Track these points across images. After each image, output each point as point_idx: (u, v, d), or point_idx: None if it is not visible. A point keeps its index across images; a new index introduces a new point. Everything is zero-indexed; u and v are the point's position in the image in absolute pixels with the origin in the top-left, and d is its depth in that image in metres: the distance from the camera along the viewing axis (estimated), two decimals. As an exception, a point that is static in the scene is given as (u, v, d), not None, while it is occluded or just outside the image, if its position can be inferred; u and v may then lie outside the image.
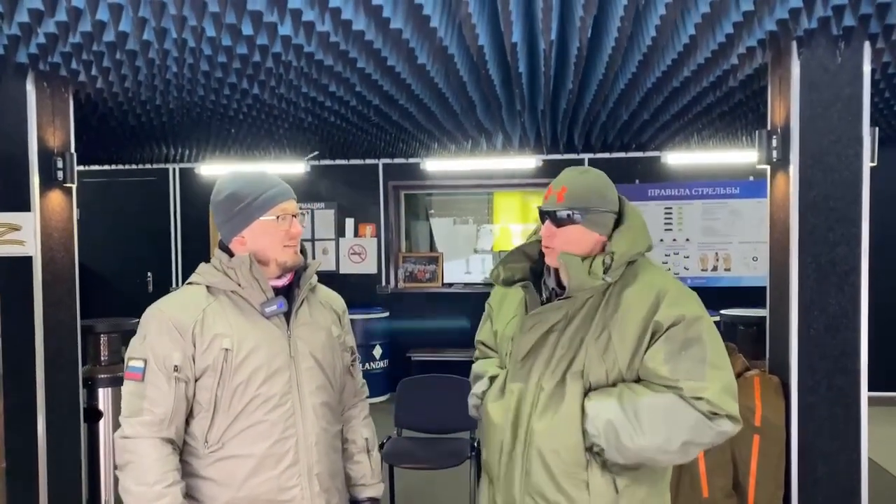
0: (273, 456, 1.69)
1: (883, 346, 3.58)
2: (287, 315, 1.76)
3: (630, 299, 1.68)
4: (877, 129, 3.11)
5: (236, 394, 1.67)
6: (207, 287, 1.74)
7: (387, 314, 6.91)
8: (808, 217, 3.03)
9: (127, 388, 1.68)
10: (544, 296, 1.77)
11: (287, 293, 1.78)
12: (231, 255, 1.76)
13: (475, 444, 3.91)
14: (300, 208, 1.83)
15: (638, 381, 1.68)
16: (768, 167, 3.24)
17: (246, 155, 6.42)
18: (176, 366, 1.65)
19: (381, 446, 3.93)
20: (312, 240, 7.11)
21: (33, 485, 3.43)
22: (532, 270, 1.84)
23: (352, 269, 7.09)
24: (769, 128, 3.22)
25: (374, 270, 7.12)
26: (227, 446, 1.68)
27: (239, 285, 1.72)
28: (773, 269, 3.28)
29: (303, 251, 1.83)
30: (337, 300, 1.97)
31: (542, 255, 1.79)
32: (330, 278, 7.00)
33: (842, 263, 3.02)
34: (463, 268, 7.72)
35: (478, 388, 1.88)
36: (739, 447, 3.14)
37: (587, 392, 1.67)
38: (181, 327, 1.67)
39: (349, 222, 7.15)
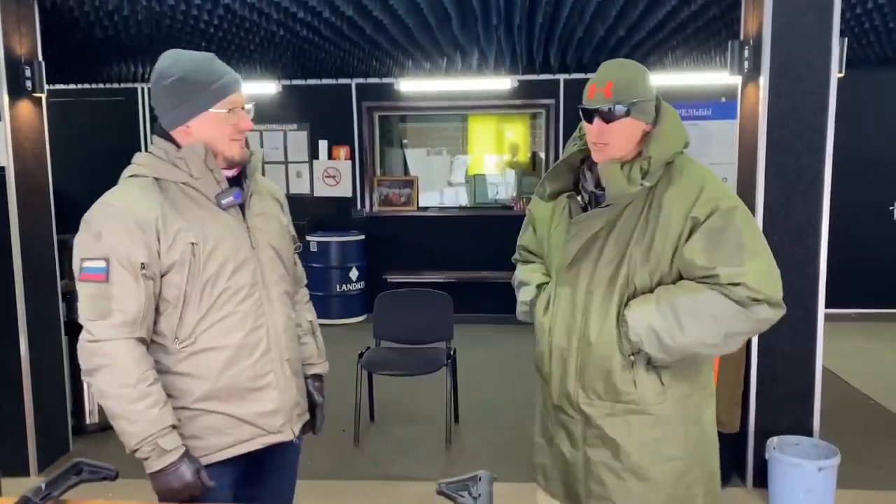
0: (248, 346, 1.69)
1: (836, 264, 3.69)
2: (241, 207, 1.72)
3: (672, 199, 1.72)
4: (846, 39, 3.16)
5: (206, 288, 1.63)
6: (156, 178, 1.65)
7: (362, 237, 6.95)
8: (776, 127, 3.11)
9: (87, 290, 1.57)
10: (583, 202, 1.83)
11: (235, 184, 1.72)
12: (175, 144, 1.67)
13: (451, 353, 4.04)
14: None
15: (679, 279, 1.75)
16: (740, 78, 3.29)
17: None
18: (143, 263, 1.57)
19: (361, 356, 4.05)
20: (286, 162, 7.05)
21: (20, 396, 3.50)
22: (574, 181, 1.88)
23: (326, 193, 7.07)
24: (742, 38, 3.26)
25: (349, 194, 7.11)
26: (200, 340, 1.65)
27: (191, 176, 1.64)
28: (741, 178, 3.37)
29: (246, 144, 1.76)
30: (277, 189, 1.92)
31: (582, 162, 1.84)
32: (304, 201, 7.02)
33: (807, 172, 3.12)
34: (437, 199, 7.72)
35: (525, 295, 1.98)
36: (703, 349, 3.29)
37: (629, 299, 1.75)
38: (142, 223, 1.57)
39: (322, 144, 7.08)
